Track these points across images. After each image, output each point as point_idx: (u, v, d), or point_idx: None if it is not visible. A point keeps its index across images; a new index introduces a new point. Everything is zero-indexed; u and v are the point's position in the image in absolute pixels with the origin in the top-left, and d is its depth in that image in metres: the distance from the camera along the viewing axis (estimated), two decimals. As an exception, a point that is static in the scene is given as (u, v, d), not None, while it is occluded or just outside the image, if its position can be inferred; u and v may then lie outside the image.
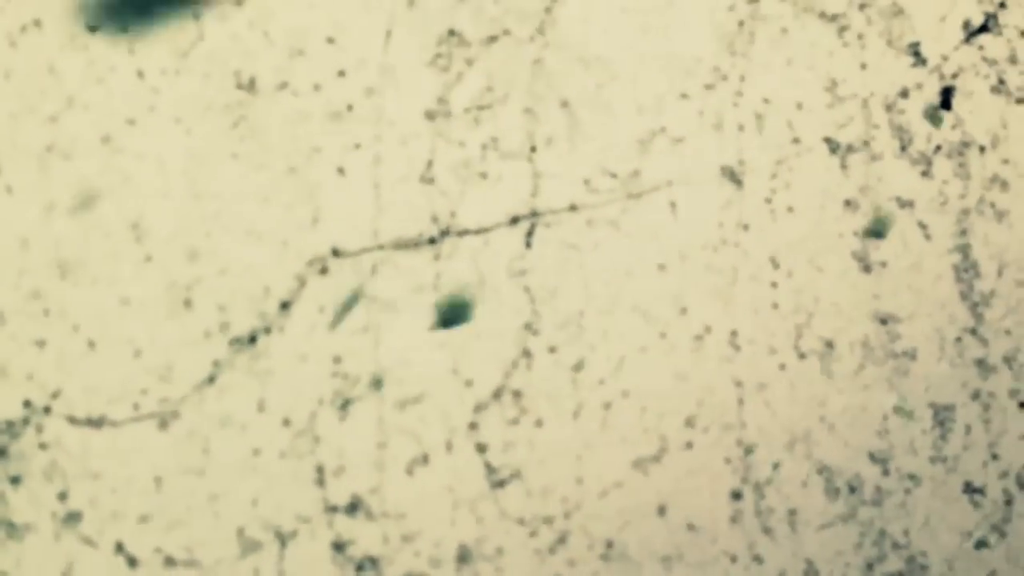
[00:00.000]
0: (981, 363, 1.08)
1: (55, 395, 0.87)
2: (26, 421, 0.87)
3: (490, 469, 0.98)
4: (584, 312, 1.00)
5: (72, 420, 0.88)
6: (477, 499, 0.97)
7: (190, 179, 0.90)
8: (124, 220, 0.89)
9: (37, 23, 0.87)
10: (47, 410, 0.87)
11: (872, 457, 1.06)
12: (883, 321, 1.07)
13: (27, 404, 0.87)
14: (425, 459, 0.96)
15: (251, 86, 0.92)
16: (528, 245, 0.99)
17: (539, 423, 0.99)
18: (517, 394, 0.98)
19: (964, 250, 1.09)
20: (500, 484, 0.98)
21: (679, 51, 1.03)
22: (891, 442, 1.06)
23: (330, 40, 0.94)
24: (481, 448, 0.98)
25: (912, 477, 1.07)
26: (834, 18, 1.07)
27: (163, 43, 0.89)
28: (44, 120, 0.87)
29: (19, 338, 0.86)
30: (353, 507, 0.94)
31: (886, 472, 1.06)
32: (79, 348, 0.88)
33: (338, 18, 0.95)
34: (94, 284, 0.88)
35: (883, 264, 1.07)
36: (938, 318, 1.08)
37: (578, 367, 1.00)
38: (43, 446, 0.87)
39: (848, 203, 1.06)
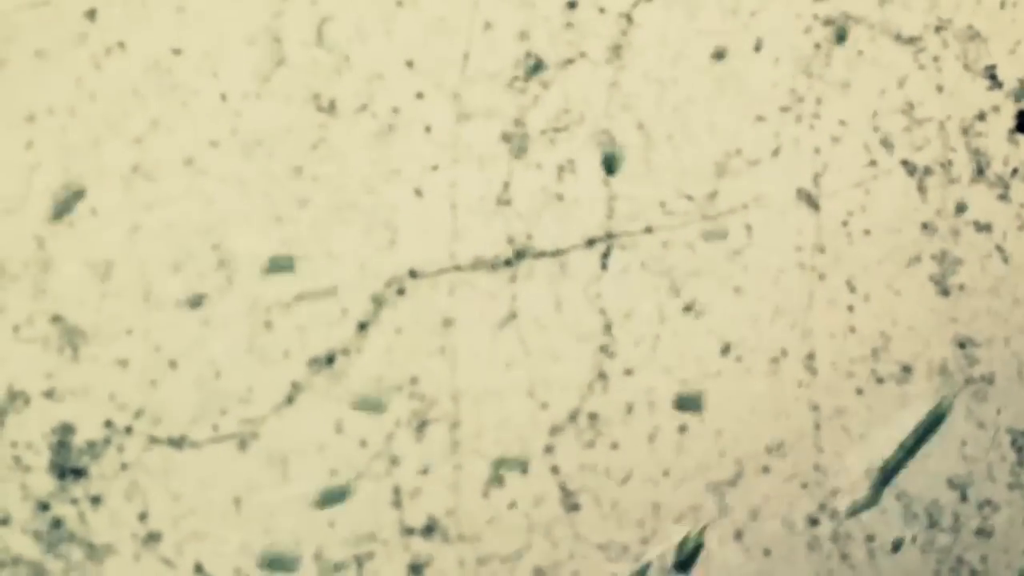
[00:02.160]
0: (1061, 389, 1.07)
1: (137, 415, 0.88)
2: (107, 441, 0.87)
3: (565, 492, 0.97)
4: (659, 335, 0.99)
5: (153, 440, 0.88)
6: (552, 522, 0.96)
7: (270, 201, 0.91)
8: (207, 242, 0.89)
9: (122, 45, 0.88)
10: (128, 430, 0.88)
11: (950, 483, 1.05)
12: (961, 345, 1.05)
13: (108, 424, 0.87)
14: (500, 481, 0.95)
15: (331, 109, 0.93)
16: (604, 267, 0.99)
17: (614, 446, 0.98)
18: (593, 417, 0.98)
19: (1043, 274, 1.08)
20: (575, 507, 0.97)
21: (755, 73, 1.02)
22: (969, 468, 1.05)
23: (409, 63, 0.95)
24: (556, 471, 0.97)
25: (990, 504, 1.06)
26: (911, 41, 1.06)
27: (246, 66, 0.90)
28: (129, 142, 0.88)
29: (101, 358, 0.87)
30: (429, 529, 0.94)
31: (964, 498, 1.05)
32: (161, 368, 0.88)
33: (416, 42, 0.95)
34: (176, 306, 0.88)
35: (961, 287, 1.06)
36: (1017, 342, 1.07)
37: (653, 390, 0.99)
38: (124, 466, 0.87)
39: (925, 226, 1.05)
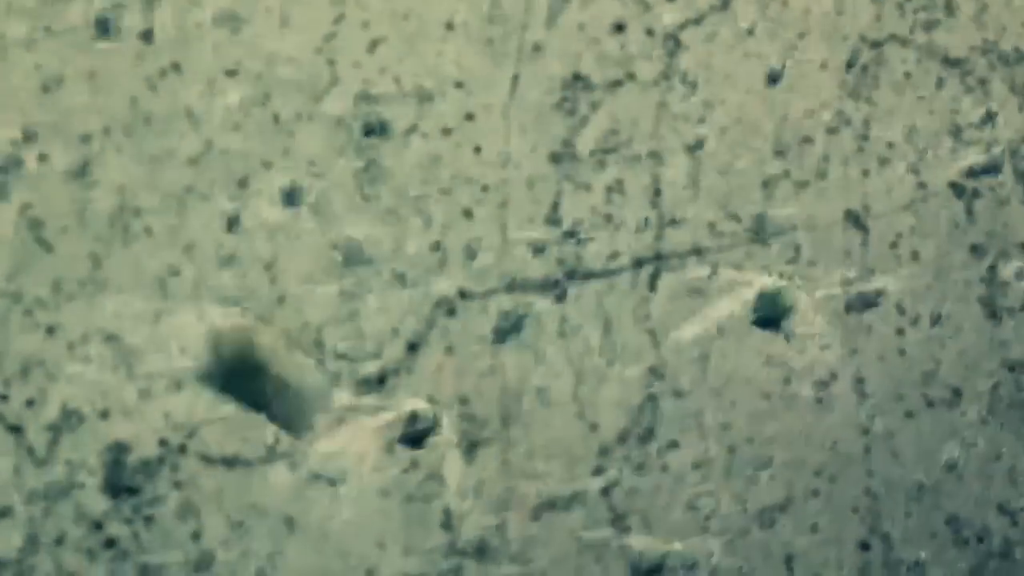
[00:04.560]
0: (1111, 413, 1.06)
1: (190, 434, 0.88)
2: (161, 460, 0.87)
3: (615, 513, 0.97)
4: (708, 356, 0.99)
5: (207, 460, 0.88)
6: (602, 544, 0.96)
7: (322, 221, 0.91)
8: (259, 261, 0.89)
9: (176, 67, 0.88)
10: (182, 449, 0.88)
11: (1001, 508, 1.04)
12: (1011, 368, 1.05)
13: (163, 443, 0.87)
14: (551, 503, 0.95)
15: (382, 130, 0.93)
16: (652, 288, 0.99)
17: (664, 468, 0.98)
18: (642, 438, 0.97)
19: (1092, 297, 1.07)
20: (626, 529, 0.97)
21: (802, 95, 1.02)
22: (1020, 493, 1.04)
23: (459, 85, 0.95)
24: (606, 492, 0.97)
25: (1040, 529, 1.05)
26: (957, 63, 1.06)
27: (298, 88, 0.90)
28: (183, 163, 0.88)
29: (155, 377, 0.87)
30: (480, 551, 0.93)
31: (1015, 523, 1.04)
32: (214, 388, 0.88)
33: (466, 64, 0.95)
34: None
35: (1010, 311, 1.05)
36: (1067, 366, 1.06)
37: (702, 411, 0.99)
38: (178, 485, 0.87)
39: (974, 248, 1.05)
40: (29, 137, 0.83)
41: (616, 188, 0.98)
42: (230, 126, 0.89)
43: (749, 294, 1.00)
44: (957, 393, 1.03)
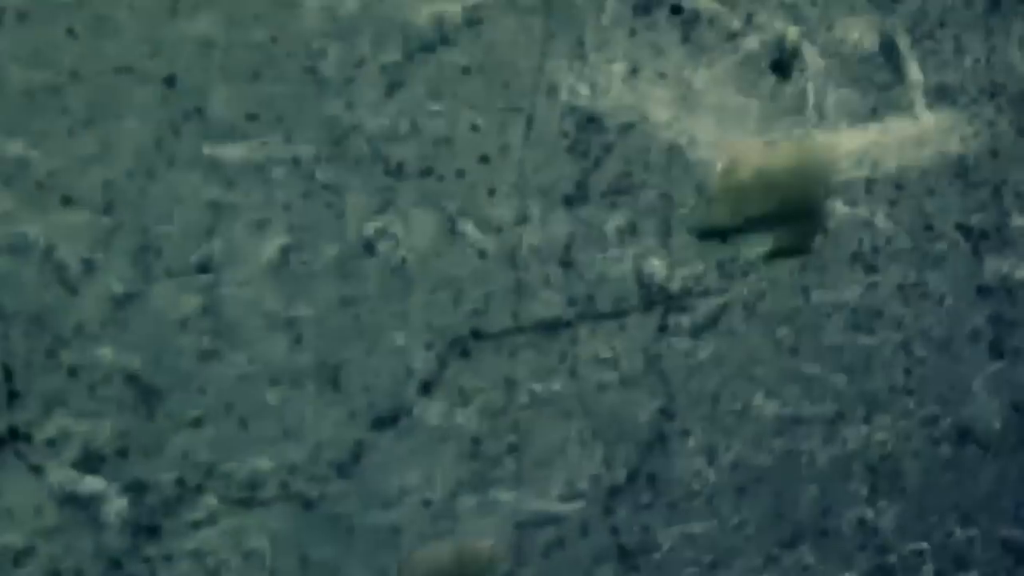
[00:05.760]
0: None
1: (208, 474, 0.89)
2: (180, 499, 0.88)
3: (623, 552, 0.98)
4: (719, 396, 1.00)
5: (223, 499, 0.89)
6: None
7: (340, 261, 0.92)
8: (278, 303, 0.91)
9: (199, 111, 0.90)
10: (200, 488, 0.89)
11: (1004, 544, 1.05)
12: (1016, 408, 1.06)
13: (180, 482, 0.88)
14: (561, 542, 0.96)
15: (399, 171, 0.94)
16: (663, 329, 1.00)
17: (673, 507, 0.99)
18: (652, 478, 0.99)
19: (1096, 338, 1.08)
20: (635, 568, 0.98)
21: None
22: (1024, 531, 1.05)
23: (474, 128, 0.97)
24: (615, 531, 0.98)
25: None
26: (965, 106, 1.08)
27: (319, 132, 0.92)
28: (204, 206, 0.89)
29: (176, 416, 0.88)
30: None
31: (1020, 562, 1.05)
32: (232, 427, 0.90)
33: (482, 106, 0.97)
34: (249, 363, 0.90)
35: (1016, 352, 1.07)
36: (1071, 406, 1.07)
37: (712, 451, 1.00)
38: (195, 524, 0.89)
39: (980, 289, 1.06)
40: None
41: (627, 230, 1.00)
42: (251, 169, 0.91)
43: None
44: (964, 433, 1.04)
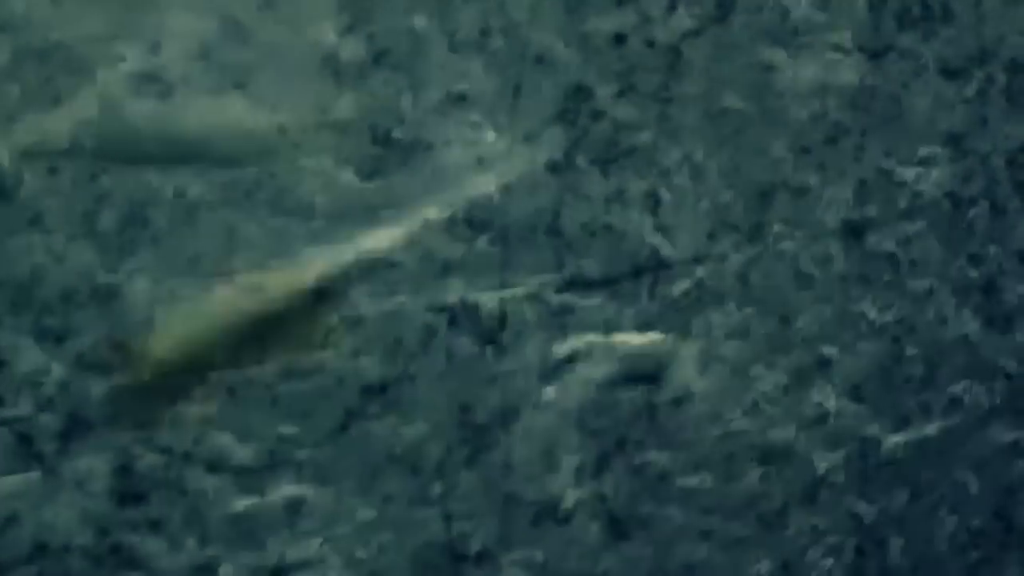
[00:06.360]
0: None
1: (196, 442, 0.89)
2: (167, 467, 0.88)
3: (613, 520, 0.98)
4: (708, 363, 1.00)
5: (211, 468, 0.89)
6: (600, 550, 0.97)
7: (331, 229, 0.92)
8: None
9: (185, 81, 0.89)
10: (187, 456, 0.89)
11: (996, 515, 1.05)
12: (1008, 376, 1.06)
13: (167, 451, 0.88)
14: (551, 510, 0.96)
15: (386, 140, 0.94)
16: (652, 296, 1.00)
17: (663, 476, 0.99)
18: (640, 445, 0.99)
19: (1087, 306, 1.08)
20: (623, 535, 0.98)
21: (800, 105, 1.04)
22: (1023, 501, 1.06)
23: (462, 96, 0.96)
24: (604, 499, 0.98)
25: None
26: (955, 74, 1.07)
27: (305, 100, 0.91)
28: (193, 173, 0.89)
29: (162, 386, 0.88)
30: (480, 557, 0.95)
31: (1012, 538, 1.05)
32: (219, 395, 0.90)
33: (470, 75, 0.96)
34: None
35: (1007, 319, 1.07)
36: (1061, 374, 1.07)
37: (702, 419, 1.00)
38: (183, 493, 0.89)
39: (971, 257, 1.06)
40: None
41: (615, 198, 1.00)
42: (241, 133, 0.90)
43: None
44: (954, 401, 1.04)
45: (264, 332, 0.85)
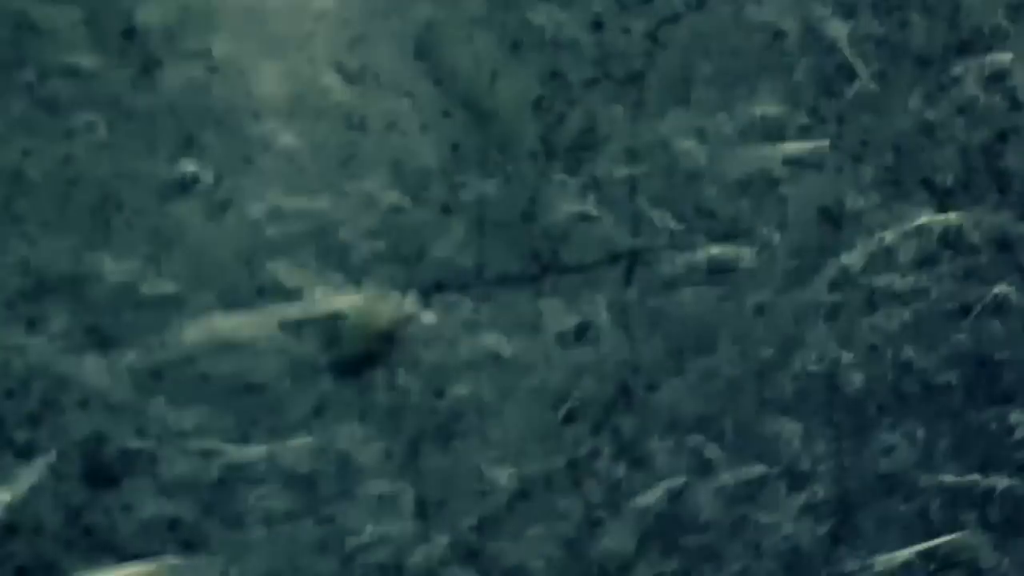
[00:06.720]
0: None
1: (170, 426, 0.89)
2: (139, 451, 0.89)
3: (589, 507, 0.98)
4: (683, 350, 1.01)
5: (185, 451, 0.90)
6: (575, 538, 0.97)
7: (301, 213, 0.93)
8: (241, 260, 0.91)
9: (159, 63, 0.90)
10: (160, 439, 0.89)
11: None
12: (982, 363, 1.06)
13: (142, 433, 0.89)
14: (525, 495, 0.97)
15: (361, 126, 0.94)
16: (628, 283, 1.00)
17: (638, 462, 0.99)
18: (616, 431, 0.99)
19: (1064, 294, 1.09)
20: (599, 522, 0.98)
21: (776, 92, 1.04)
22: (991, 486, 1.06)
23: (437, 82, 0.97)
24: (579, 484, 0.98)
25: None
26: (931, 63, 1.08)
27: (280, 87, 0.92)
28: (164, 160, 0.90)
29: (135, 369, 0.89)
30: (454, 543, 0.95)
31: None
32: (192, 379, 0.90)
33: (444, 61, 0.97)
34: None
35: (983, 308, 1.07)
36: (1038, 362, 1.07)
37: (677, 404, 1.00)
38: (156, 476, 0.89)
39: (947, 244, 1.07)
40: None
41: (592, 185, 1.00)
42: (211, 122, 0.91)
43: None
44: (929, 388, 1.05)
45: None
